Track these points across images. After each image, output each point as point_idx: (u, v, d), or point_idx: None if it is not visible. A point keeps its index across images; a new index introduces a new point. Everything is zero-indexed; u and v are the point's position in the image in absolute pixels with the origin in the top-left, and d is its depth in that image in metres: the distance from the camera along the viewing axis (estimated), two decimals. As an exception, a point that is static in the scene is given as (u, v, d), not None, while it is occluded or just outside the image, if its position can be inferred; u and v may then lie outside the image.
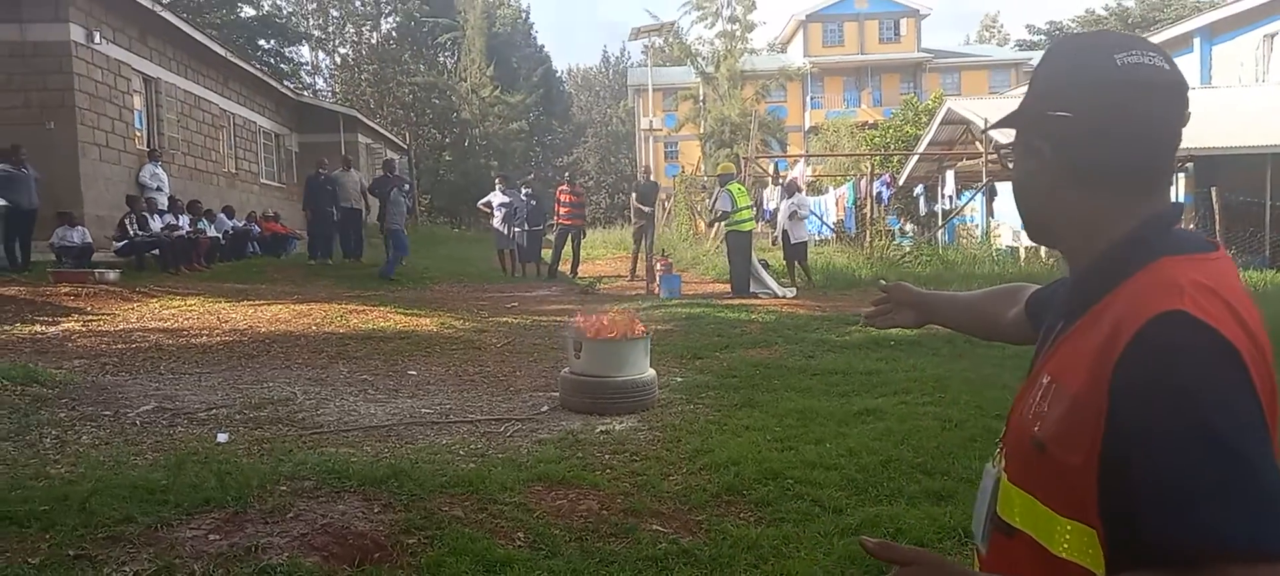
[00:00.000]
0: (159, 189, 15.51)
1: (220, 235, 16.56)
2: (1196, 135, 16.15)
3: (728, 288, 13.94)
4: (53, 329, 8.93)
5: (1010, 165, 1.20)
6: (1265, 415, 0.90)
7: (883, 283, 1.82)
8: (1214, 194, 15.78)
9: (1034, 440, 1.03)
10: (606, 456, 4.84)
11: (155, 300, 11.10)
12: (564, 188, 16.28)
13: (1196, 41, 21.64)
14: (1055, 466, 1.00)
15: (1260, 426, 0.88)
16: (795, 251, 14.48)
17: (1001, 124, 1.20)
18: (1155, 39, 23.65)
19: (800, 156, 27.12)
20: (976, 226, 20.31)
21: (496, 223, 16.46)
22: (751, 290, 13.04)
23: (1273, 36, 19.77)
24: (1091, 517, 0.96)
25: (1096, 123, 1.05)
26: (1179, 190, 17.85)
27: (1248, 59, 20.32)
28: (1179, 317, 0.92)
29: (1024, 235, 1.25)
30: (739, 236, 13.28)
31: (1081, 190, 1.07)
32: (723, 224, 13.50)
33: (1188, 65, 21.89)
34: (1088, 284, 1.07)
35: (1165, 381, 0.89)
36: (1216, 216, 15.66)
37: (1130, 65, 1.03)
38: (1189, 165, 17.09)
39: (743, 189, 13.84)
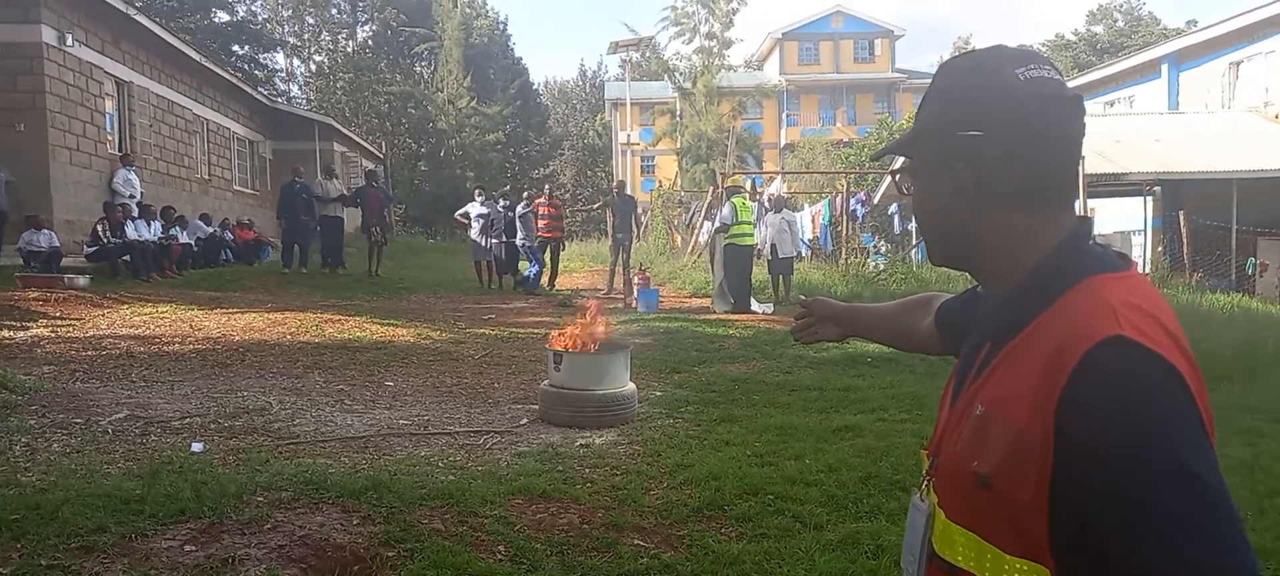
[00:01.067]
0: (132, 195, 15.32)
1: (193, 241, 16.37)
2: (1164, 159, 16.49)
3: (707, 302, 13.95)
4: (21, 334, 8.77)
5: (905, 190, 1.17)
6: (1207, 435, 0.90)
7: (802, 298, 1.82)
8: (1181, 217, 16.09)
9: (977, 477, 0.98)
10: (587, 470, 4.83)
11: (126, 306, 10.93)
12: (542, 200, 16.25)
13: (1164, 68, 22.04)
14: (1002, 503, 0.95)
15: (1208, 448, 0.88)
16: (782, 266, 14.57)
17: (899, 149, 1.16)
18: (1124, 65, 24.15)
19: (776, 173, 27.28)
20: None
21: (474, 234, 16.40)
22: (721, 307, 13.01)
23: (1238, 64, 20.19)
24: (1043, 555, 0.92)
25: (1011, 139, 1.02)
26: (1147, 213, 18.16)
27: (1214, 86, 20.74)
28: (1121, 344, 0.90)
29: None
30: (738, 250, 13.14)
31: (1003, 209, 1.04)
32: (721, 237, 13.39)
33: (1156, 91, 22.31)
34: (1016, 306, 1.03)
35: (1116, 412, 0.87)
36: (1184, 240, 15.96)
37: (1032, 78, 1.02)
38: (1157, 189, 17.40)
39: (746, 204, 13.79)
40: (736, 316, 12.38)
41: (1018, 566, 0.94)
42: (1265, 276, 16.42)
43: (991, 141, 1.03)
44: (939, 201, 1.09)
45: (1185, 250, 15.89)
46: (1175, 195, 16.87)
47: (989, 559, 0.98)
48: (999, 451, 0.95)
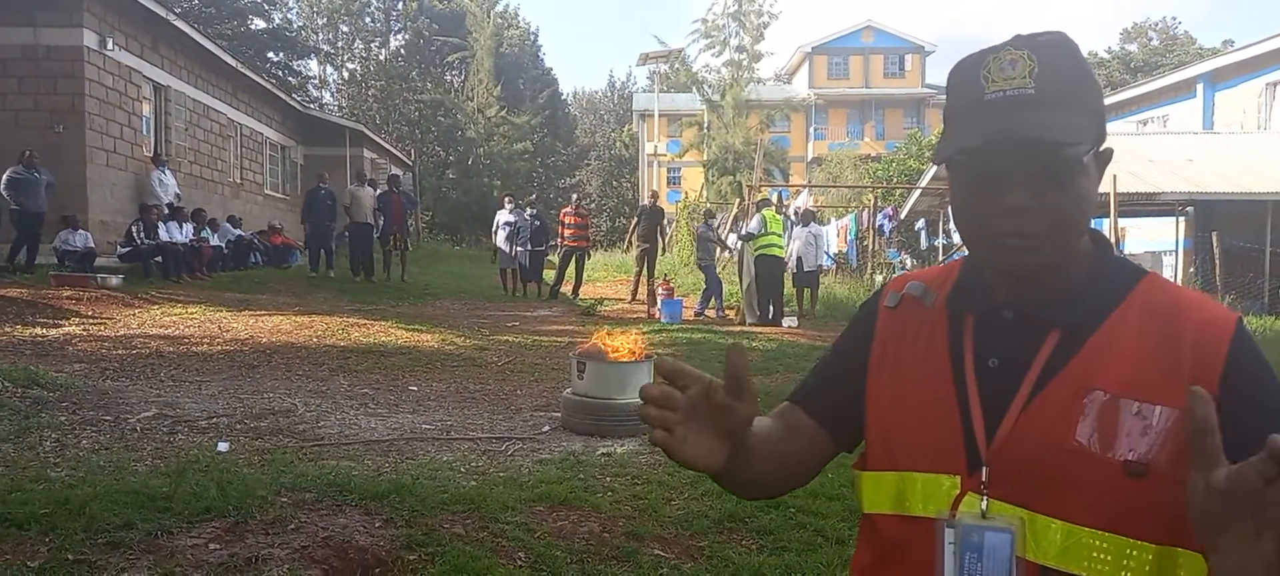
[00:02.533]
0: (176, 194, 15.56)
1: (223, 244, 16.58)
2: (1197, 180, 16.26)
3: (730, 314, 13.93)
4: (53, 332, 8.92)
5: (1052, 188, 0.99)
6: None
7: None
8: (1214, 238, 15.84)
9: (1129, 468, 0.94)
10: (608, 479, 4.83)
11: (157, 307, 11.09)
12: (568, 210, 16.31)
13: (1200, 87, 21.76)
14: (1160, 489, 0.93)
15: None
16: (808, 279, 14.53)
17: (1070, 137, 0.98)
18: (1158, 84, 23.87)
19: (803, 187, 27.20)
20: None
21: (500, 241, 16.47)
22: (752, 318, 13.00)
23: (1275, 85, 19.89)
24: (1192, 540, 0.90)
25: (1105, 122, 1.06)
26: (1179, 234, 17.91)
27: (1250, 106, 20.44)
28: (1243, 323, 1.03)
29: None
30: (768, 261, 13.12)
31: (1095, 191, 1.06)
32: (748, 247, 13.36)
33: (1190, 111, 22.02)
34: (1092, 295, 1.03)
35: (1267, 373, 0.99)
36: (1216, 261, 15.72)
37: None
38: (1189, 209, 17.15)
39: (775, 216, 13.77)
40: (760, 329, 12.35)
41: (1181, 558, 0.93)
42: (1300, 300, 16.11)
43: (1102, 125, 1.05)
44: (1093, 191, 1.04)
45: (1217, 271, 15.63)
46: (1208, 216, 16.62)
47: (1151, 560, 0.93)
48: (1154, 435, 0.95)
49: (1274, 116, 20.00)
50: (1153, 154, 17.40)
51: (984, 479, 1.00)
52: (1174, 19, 56.11)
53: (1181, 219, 17.59)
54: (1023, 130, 0.97)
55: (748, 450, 1.08)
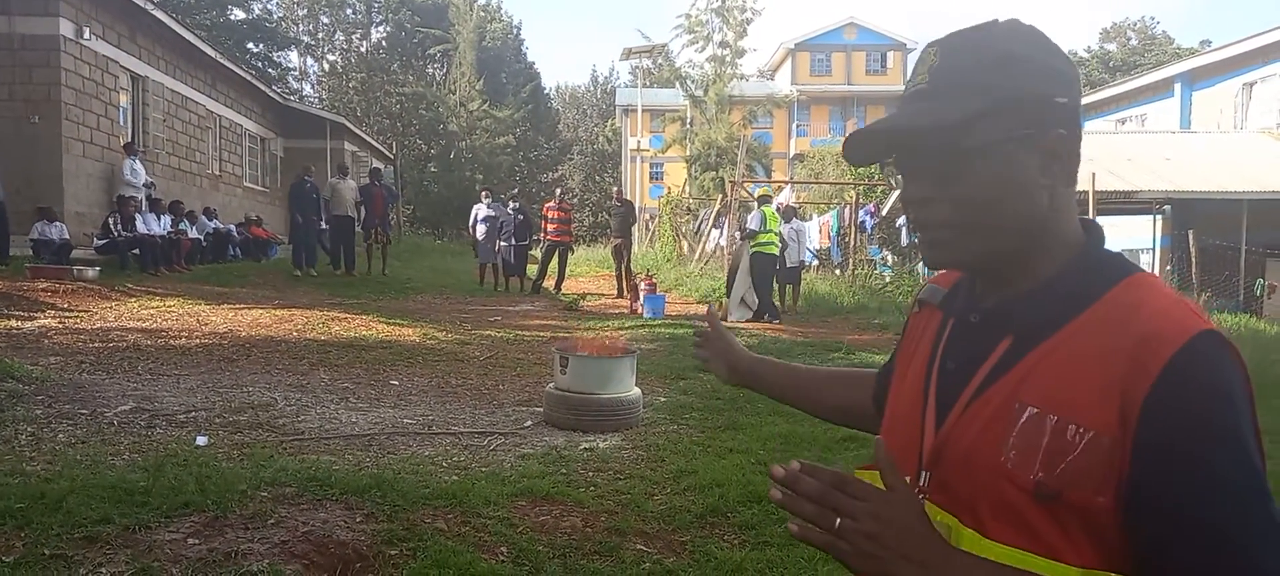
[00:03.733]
0: (147, 183, 15.35)
1: (201, 237, 16.43)
2: (1175, 179, 16.45)
3: (716, 309, 13.96)
4: (29, 324, 8.81)
5: (949, 178, 0.97)
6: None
7: (698, 331, 1.64)
8: (1191, 237, 16.03)
9: (1039, 489, 0.87)
10: (590, 474, 4.83)
11: (134, 300, 10.97)
12: (552, 205, 16.30)
13: (1177, 87, 22.01)
14: (1075, 514, 0.87)
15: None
16: (790, 275, 14.57)
17: (971, 124, 0.94)
18: (1137, 83, 24.11)
19: (786, 183, 27.24)
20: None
21: (479, 236, 16.43)
22: (736, 316, 13.02)
23: (1251, 85, 20.14)
24: (1119, 562, 0.86)
25: (1075, 106, 0.96)
26: (1156, 232, 18.10)
27: (1227, 105, 20.69)
28: (1216, 338, 0.86)
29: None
30: (762, 258, 13.08)
31: (1066, 191, 0.98)
32: (747, 245, 13.31)
33: (1168, 110, 22.27)
34: (1051, 300, 0.94)
35: (1212, 410, 0.84)
36: (1192, 259, 15.90)
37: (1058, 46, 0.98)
38: (1167, 208, 17.35)
39: (774, 213, 13.73)
40: (747, 325, 12.36)
41: None
42: (1273, 298, 16.35)
43: (1073, 111, 0.96)
44: (1020, 180, 0.94)
45: (1194, 270, 15.82)
46: (1185, 214, 16.82)
47: None
48: (1071, 457, 0.86)
49: (1250, 116, 20.25)
50: (1131, 153, 17.59)
51: (922, 483, 0.99)
52: (1152, 19, 56.68)
53: (1159, 217, 17.80)
54: (888, 121, 0.97)
55: (757, 384, 1.55)
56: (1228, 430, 0.84)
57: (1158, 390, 0.84)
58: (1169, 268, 17.28)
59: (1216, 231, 16.26)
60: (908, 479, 1.00)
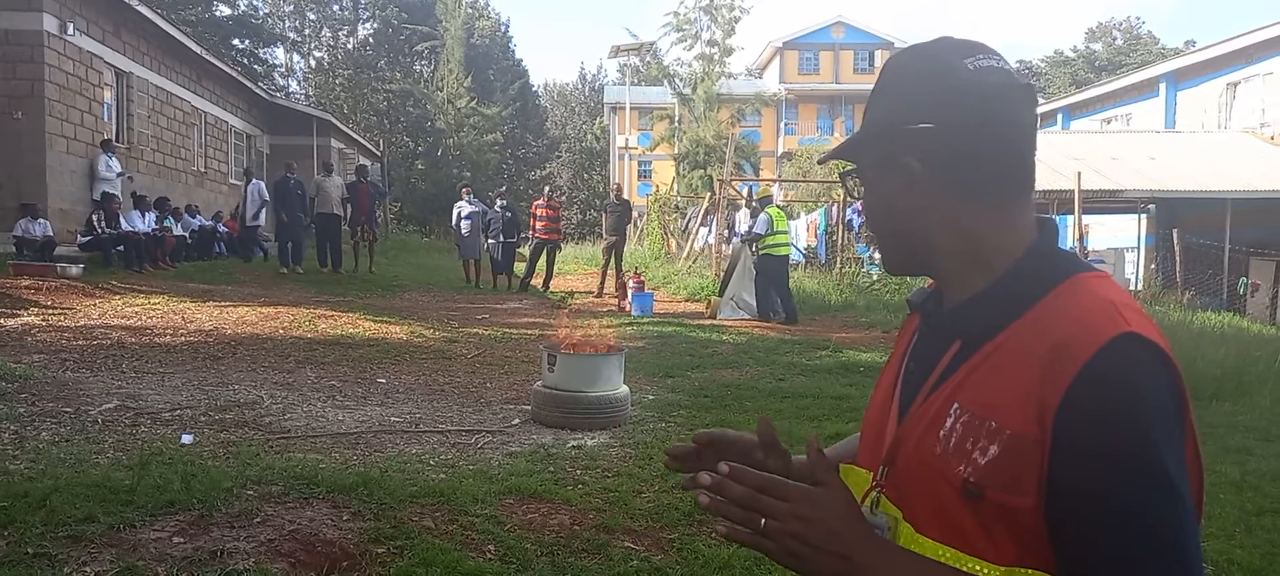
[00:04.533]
0: (122, 175, 15.19)
1: (186, 234, 16.32)
2: (1160, 178, 16.56)
3: (701, 307, 13.95)
4: (11, 322, 8.74)
5: (856, 195, 1.12)
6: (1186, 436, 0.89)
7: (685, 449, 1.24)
8: (1175, 236, 16.14)
9: (964, 486, 0.91)
10: (578, 471, 4.82)
11: (118, 297, 10.90)
12: (540, 202, 16.27)
13: (1163, 86, 22.15)
14: (996, 512, 0.89)
15: (1182, 453, 0.88)
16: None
17: (846, 151, 1.10)
18: (1122, 83, 24.25)
19: (774, 181, 27.32)
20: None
21: (462, 232, 16.38)
22: (726, 314, 12.99)
23: (1235, 85, 20.30)
24: (1044, 561, 0.89)
25: (962, 130, 0.98)
26: (1141, 231, 18.22)
27: (1211, 105, 20.85)
28: (1137, 340, 0.87)
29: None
30: (773, 260, 12.79)
31: (959, 205, 1.00)
32: (748, 247, 13.14)
33: (1153, 110, 22.42)
34: (991, 305, 0.97)
35: (1126, 413, 0.85)
36: (1177, 258, 16.02)
37: (981, 68, 0.98)
38: (1151, 207, 17.47)
39: (782, 214, 13.53)
40: (734, 323, 12.36)
41: None
42: (1257, 296, 16.48)
43: (942, 134, 0.98)
44: (887, 201, 1.05)
45: (1178, 268, 15.94)
46: (1169, 213, 16.94)
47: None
48: (992, 458, 0.89)
49: (1235, 116, 20.41)
50: (1116, 152, 17.70)
51: (880, 477, 1.03)
52: (1138, 19, 57.03)
53: (1143, 216, 17.91)
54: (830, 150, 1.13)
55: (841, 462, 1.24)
56: (1139, 434, 0.84)
57: (1071, 394, 0.86)
58: (1154, 266, 17.40)
59: (1201, 230, 16.38)
60: (871, 472, 1.06)
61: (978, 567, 0.90)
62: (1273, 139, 19.00)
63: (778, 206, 14.20)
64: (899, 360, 1.11)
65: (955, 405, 0.95)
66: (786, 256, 13.22)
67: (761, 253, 12.92)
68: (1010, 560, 0.89)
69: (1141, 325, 0.89)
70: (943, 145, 0.99)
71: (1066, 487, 0.86)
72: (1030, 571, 0.89)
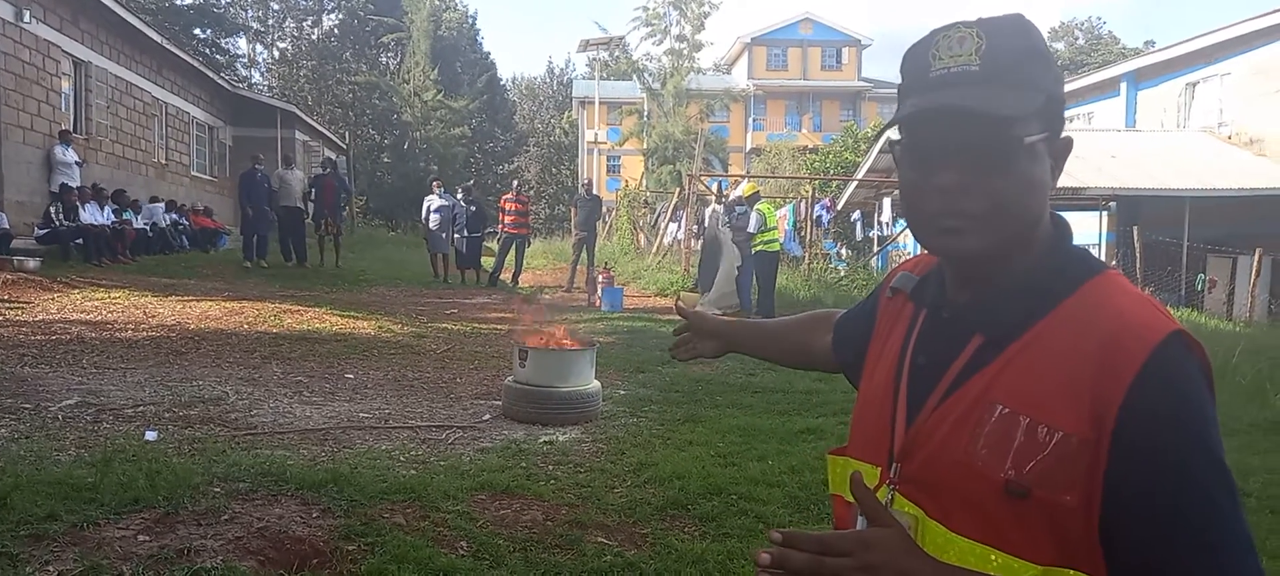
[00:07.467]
0: (78, 162, 14.82)
1: (147, 227, 16.02)
2: (1121, 176, 16.84)
3: (669, 302, 13.95)
4: (-34, 316, 8.53)
5: (990, 168, 0.94)
6: None
7: (680, 306, 1.72)
8: (1136, 233, 16.42)
9: (1009, 487, 0.89)
10: (550, 467, 4.81)
11: (77, 291, 10.68)
12: (509, 196, 16.17)
13: (1123, 86, 22.51)
14: (1041, 511, 0.88)
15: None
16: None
17: (1008, 108, 0.93)
18: (1084, 82, 24.59)
19: (742, 177, 27.36)
20: (908, 252, 20.76)
21: (431, 226, 16.25)
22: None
23: (1194, 85, 20.68)
24: (1081, 560, 0.88)
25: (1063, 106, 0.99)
26: (1102, 228, 18.52)
27: (1171, 105, 21.22)
28: (1184, 341, 0.88)
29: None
30: (766, 257, 12.72)
31: (1052, 184, 0.99)
32: (739, 243, 13.06)
33: (1114, 109, 22.77)
34: (1020, 298, 0.96)
35: (1184, 409, 0.86)
36: (1137, 255, 16.30)
37: None
38: (1112, 204, 17.75)
39: (771, 209, 13.46)
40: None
41: None
42: (1214, 293, 16.84)
43: (1063, 115, 0.99)
44: (1041, 179, 0.96)
45: (1138, 265, 16.23)
46: (1130, 211, 17.22)
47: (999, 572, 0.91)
48: (1040, 457, 0.88)
49: (1193, 115, 20.80)
50: (1077, 150, 17.77)
51: (892, 474, 1.01)
52: (1099, 18, 57.97)
53: (1105, 213, 18.20)
54: (959, 101, 0.93)
55: (741, 345, 1.62)
56: (1199, 434, 0.86)
57: (1133, 394, 0.86)
58: (1115, 262, 17.69)
59: (1160, 228, 16.68)
60: (877, 467, 1.03)
61: (1015, 566, 0.89)
62: (1230, 138, 19.41)
63: (735, 199, 14.12)
64: (898, 351, 1.08)
65: (991, 402, 0.93)
66: (778, 253, 13.22)
67: (755, 249, 12.85)
68: (1048, 559, 0.89)
69: (1178, 324, 0.90)
70: (1061, 119, 0.99)
71: (1133, 489, 0.86)
72: (1069, 572, 0.88)
